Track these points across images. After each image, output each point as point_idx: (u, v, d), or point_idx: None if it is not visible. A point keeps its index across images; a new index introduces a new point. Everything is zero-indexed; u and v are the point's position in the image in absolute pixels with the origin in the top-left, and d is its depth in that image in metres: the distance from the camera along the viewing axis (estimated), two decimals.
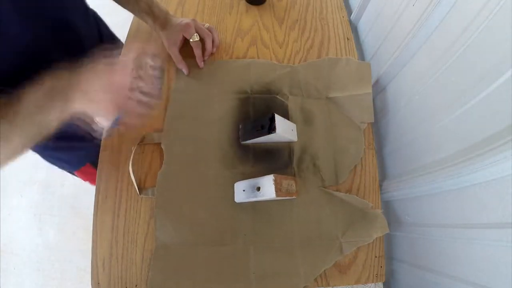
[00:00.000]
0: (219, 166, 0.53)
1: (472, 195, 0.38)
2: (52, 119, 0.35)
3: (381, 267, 0.52)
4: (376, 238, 0.52)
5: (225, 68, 0.62)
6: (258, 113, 0.57)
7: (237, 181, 0.52)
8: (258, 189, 0.47)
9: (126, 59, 0.38)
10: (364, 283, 0.51)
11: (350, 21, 0.75)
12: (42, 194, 1.39)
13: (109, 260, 0.49)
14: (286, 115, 0.57)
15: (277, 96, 0.59)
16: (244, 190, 0.49)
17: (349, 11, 0.78)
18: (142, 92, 0.39)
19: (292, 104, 0.59)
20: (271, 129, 0.48)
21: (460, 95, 0.40)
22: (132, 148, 0.53)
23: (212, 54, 0.63)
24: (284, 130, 0.50)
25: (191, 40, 0.58)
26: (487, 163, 0.34)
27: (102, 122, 0.38)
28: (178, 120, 0.56)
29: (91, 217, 0.50)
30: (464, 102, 0.39)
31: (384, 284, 0.54)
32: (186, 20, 0.58)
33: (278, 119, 0.49)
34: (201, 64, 0.60)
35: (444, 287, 0.44)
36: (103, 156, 0.54)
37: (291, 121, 0.56)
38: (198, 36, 0.58)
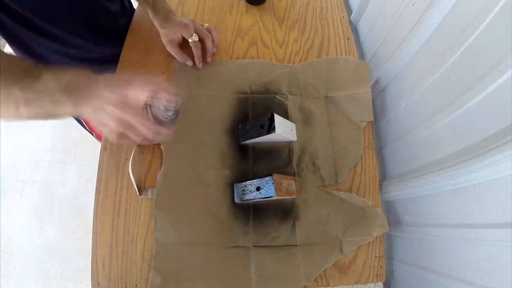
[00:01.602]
0: (218, 166, 0.53)
1: (472, 195, 0.38)
2: (60, 113, 0.36)
3: (381, 267, 0.52)
4: (376, 238, 0.52)
5: (224, 68, 0.62)
6: (257, 113, 0.57)
7: (237, 181, 0.52)
8: (258, 189, 0.47)
9: (146, 82, 0.37)
10: (364, 283, 0.51)
11: (350, 21, 0.75)
12: (42, 194, 1.39)
13: (109, 260, 0.49)
14: (285, 114, 0.57)
15: (276, 96, 0.59)
16: (244, 190, 0.50)
17: (349, 11, 0.78)
18: (154, 119, 0.38)
19: (291, 103, 0.59)
20: (271, 129, 0.48)
21: (460, 95, 0.40)
22: (132, 148, 0.53)
23: (213, 54, 0.63)
24: (284, 129, 0.50)
25: (190, 40, 0.58)
26: (487, 163, 0.34)
27: (103, 133, 0.38)
28: (177, 121, 0.56)
29: (91, 217, 0.50)
30: (464, 102, 0.39)
31: (384, 284, 0.54)
32: (185, 20, 0.58)
33: (278, 119, 0.49)
34: (199, 65, 0.60)
35: (444, 287, 0.44)
36: (103, 156, 0.54)
37: (291, 120, 0.56)
38: (198, 37, 0.58)
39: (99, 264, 0.48)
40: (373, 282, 0.52)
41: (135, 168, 0.53)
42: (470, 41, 0.38)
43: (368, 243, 0.52)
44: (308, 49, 0.67)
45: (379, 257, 0.53)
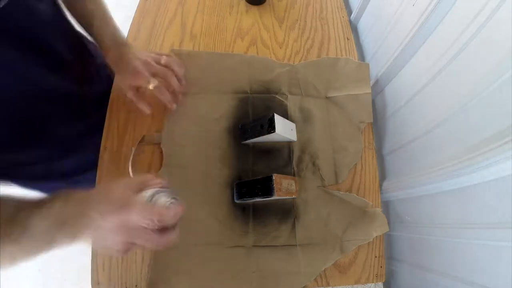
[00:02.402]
0: (218, 166, 0.53)
1: (472, 195, 0.38)
2: (59, 247, 0.33)
3: (381, 267, 0.52)
4: (376, 238, 0.52)
5: (223, 65, 0.61)
6: (257, 113, 0.57)
7: (237, 181, 0.52)
8: (258, 189, 0.47)
9: (140, 197, 0.34)
10: (364, 283, 0.51)
11: (350, 21, 0.75)
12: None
13: (109, 260, 0.48)
14: (285, 114, 0.57)
15: (276, 96, 0.59)
16: (244, 190, 0.50)
17: (349, 11, 0.78)
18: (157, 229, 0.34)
19: (291, 103, 0.59)
20: (271, 128, 0.48)
21: (460, 95, 0.40)
22: (132, 148, 0.53)
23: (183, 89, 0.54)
24: (284, 129, 0.50)
25: (150, 88, 0.48)
26: (487, 163, 0.34)
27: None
28: (178, 121, 0.56)
29: None
30: (464, 102, 0.39)
31: (384, 284, 0.54)
32: (138, 64, 0.47)
33: (278, 118, 0.49)
34: (173, 106, 0.52)
35: (444, 287, 0.44)
36: (103, 156, 0.54)
37: (290, 120, 0.56)
38: (156, 81, 0.48)
39: (99, 264, 0.48)
40: (373, 282, 0.52)
41: (135, 168, 0.53)
42: (470, 41, 0.38)
43: (368, 243, 0.52)
44: (308, 49, 0.67)
45: (379, 257, 0.53)
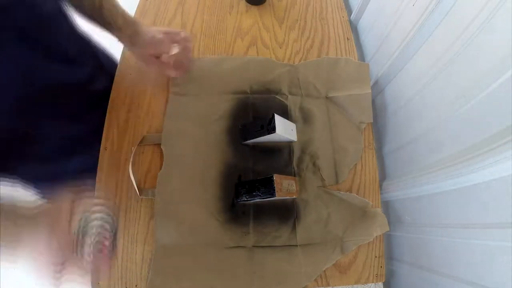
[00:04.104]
0: (219, 166, 0.53)
1: (472, 195, 0.38)
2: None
3: (381, 267, 0.52)
4: (376, 238, 0.52)
5: (224, 67, 0.61)
6: (257, 113, 0.57)
7: (237, 181, 0.52)
8: (258, 189, 0.47)
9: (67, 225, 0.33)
10: (364, 283, 0.52)
11: (350, 21, 0.75)
12: None
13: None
14: (285, 114, 0.57)
15: (277, 96, 0.59)
16: (244, 191, 0.50)
17: (349, 11, 0.78)
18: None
19: (292, 103, 0.59)
20: (271, 129, 0.48)
21: (460, 95, 0.40)
22: (132, 148, 0.53)
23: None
24: (284, 130, 0.50)
25: (172, 53, 0.52)
26: (487, 163, 0.34)
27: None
28: (178, 121, 0.56)
29: None
30: (464, 102, 0.39)
31: (384, 284, 0.54)
32: (155, 32, 0.51)
33: (278, 119, 0.49)
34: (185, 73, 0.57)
35: (444, 287, 0.44)
36: (103, 156, 0.54)
37: (291, 120, 0.56)
38: (177, 47, 0.52)
39: None
40: (373, 282, 0.52)
41: (135, 168, 0.53)
42: (470, 41, 0.38)
43: (368, 243, 0.52)
44: (308, 49, 0.67)
45: (379, 257, 0.53)
